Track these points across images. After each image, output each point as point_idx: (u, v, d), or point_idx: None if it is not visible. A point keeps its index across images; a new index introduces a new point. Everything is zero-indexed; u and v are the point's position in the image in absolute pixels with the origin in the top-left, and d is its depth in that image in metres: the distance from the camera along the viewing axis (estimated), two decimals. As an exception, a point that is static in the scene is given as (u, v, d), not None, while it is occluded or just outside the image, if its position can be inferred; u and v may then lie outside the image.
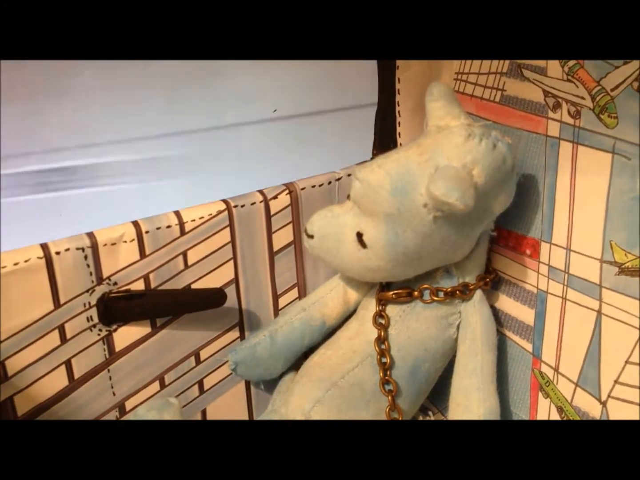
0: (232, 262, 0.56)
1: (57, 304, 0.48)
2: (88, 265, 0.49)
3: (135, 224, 0.51)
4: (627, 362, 0.47)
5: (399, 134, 0.64)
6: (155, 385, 0.55)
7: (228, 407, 0.59)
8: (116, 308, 0.51)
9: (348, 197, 0.51)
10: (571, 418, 0.51)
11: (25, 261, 0.46)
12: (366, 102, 0.71)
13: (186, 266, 0.54)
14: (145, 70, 0.93)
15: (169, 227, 0.52)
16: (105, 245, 0.49)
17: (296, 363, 0.59)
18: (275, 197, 0.57)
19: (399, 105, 0.63)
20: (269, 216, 0.57)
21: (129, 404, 0.54)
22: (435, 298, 0.53)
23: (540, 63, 0.51)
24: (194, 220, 0.53)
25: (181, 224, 0.52)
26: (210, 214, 0.54)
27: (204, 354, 0.57)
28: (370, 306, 0.55)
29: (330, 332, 0.58)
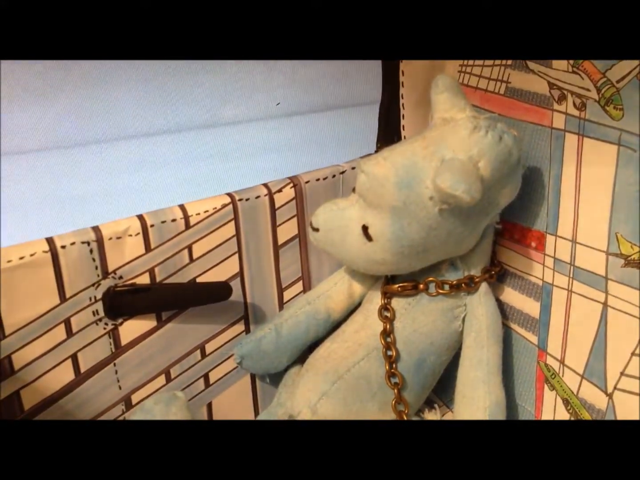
0: (237, 255, 0.56)
1: (62, 298, 0.48)
2: (94, 259, 0.49)
3: (141, 217, 0.51)
4: (633, 354, 0.47)
5: (403, 126, 0.64)
6: (161, 379, 0.55)
7: (233, 400, 0.59)
8: (122, 302, 0.51)
9: (353, 190, 0.51)
10: (577, 410, 0.51)
11: (31, 255, 0.46)
12: (369, 99, 0.71)
13: (191, 260, 0.54)
14: (148, 66, 0.93)
15: (174, 220, 0.52)
16: (110, 239, 0.49)
17: (301, 356, 0.59)
18: (279, 191, 0.57)
19: (402, 98, 0.63)
20: (273, 209, 0.57)
21: (134, 398, 0.54)
22: (441, 291, 0.53)
23: (546, 55, 0.51)
24: (198, 213, 0.53)
25: (186, 217, 0.52)
26: (215, 208, 0.54)
27: (209, 348, 0.57)
28: (375, 299, 0.55)
29: (335, 326, 0.58)
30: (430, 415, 0.57)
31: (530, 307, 0.55)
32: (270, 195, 0.56)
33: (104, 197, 0.93)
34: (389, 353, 0.53)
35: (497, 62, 0.55)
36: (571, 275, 0.51)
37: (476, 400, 0.51)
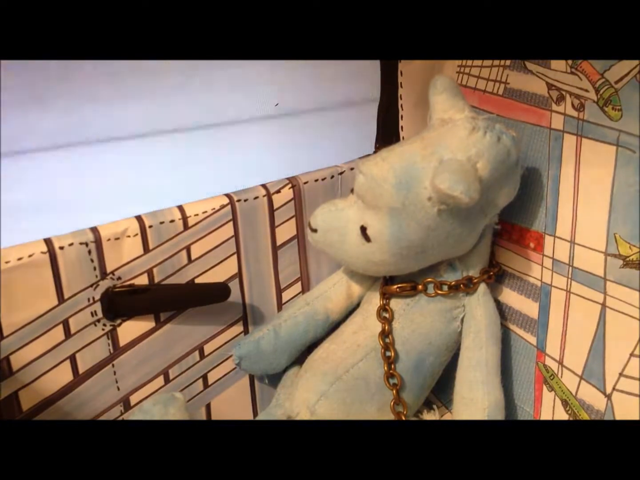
0: (235, 256, 0.56)
1: (61, 298, 0.48)
2: (92, 260, 0.49)
3: (139, 218, 0.51)
4: (631, 354, 0.47)
5: (402, 127, 0.64)
6: (160, 380, 0.55)
7: (232, 401, 0.59)
8: (120, 303, 0.51)
9: (352, 190, 0.51)
10: (576, 411, 0.51)
11: (29, 256, 0.46)
12: (368, 98, 0.70)
13: (190, 261, 0.54)
14: (148, 67, 0.93)
15: (172, 221, 0.52)
16: (108, 240, 0.49)
17: (300, 357, 0.59)
18: (278, 191, 0.57)
19: (401, 99, 0.63)
20: (272, 210, 0.57)
21: (133, 399, 0.54)
22: (439, 292, 0.53)
23: (544, 55, 0.51)
24: (197, 214, 0.53)
25: (184, 218, 0.52)
26: (214, 208, 0.53)
27: (208, 349, 0.57)
28: (374, 300, 0.55)
29: (334, 326, 0.58)
30: (429, 416, 0.57)
31: (529, 307, 0.55)
32: (269, 196, 0.56)
33: (103, 198, 0.93)
34: (388, 354, 0.53)
35: (496, 62, 0.55)
36: (570, 276, 0.51)
37: (475, 401, 0.51)
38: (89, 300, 0.50)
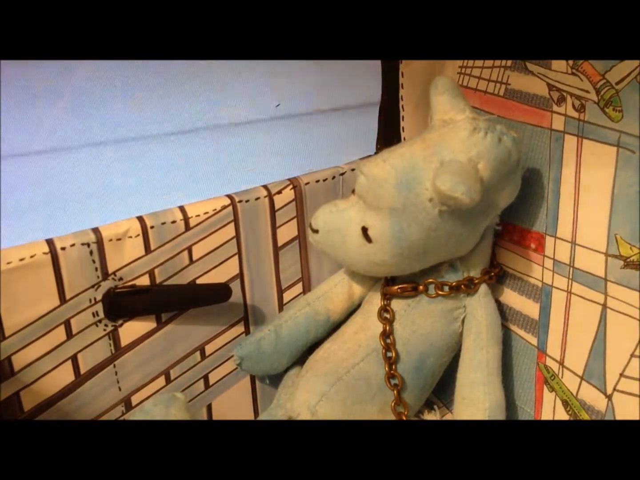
0: (236, 257, 0.56)
1: (62, 299, 0.48)
2: (93, 261, 0.49)
3: (140, 219, 0.51)
4: (632, 355, 0.47)
5: (403, 128, 0.64)
6: (161, 380, 0.55)
7: (233, 402, 0.59)
8: (122, 303, 0.51)
9: (353, 191, 0.51)
10: (576, 412, 0.51)
11: (31, 257, 0.46)
12: (369, 101, 0.71)
13: (191, 261, 0.54)
14: (147, 69, 0.93)
15: (173, 222, 0.52)
16: (110, 240, 0.49)
17: (301, 358, 0.59)
18: (279, 192, 0.57)
19: (402, 100, 0.63)
20: (273, 211, 0.57)
21: (134, 399, 0.54)
22: (440, 292, 0.53)
23: (545, 56, 0.51)
24: (198, 215, 0.53)
25: (186, 219, 0.52)
26: (215, 209, 0.54)
27: (209, 349, 0.57)
28: (375, 301, 0.55)
29: (335, 327, 0.58)
30: (430, 417, 0.57)
31: (530, 308, 0.55)
32: (270, 196, 0.56)
33: (104, 199, 0.93)
34: (389, 354, 0.53)
35: (497, 63, 0.55)
36: (570, 277, 0.51)
37: (476, 401, 0.51)
38: (90, 300, 0.50)
